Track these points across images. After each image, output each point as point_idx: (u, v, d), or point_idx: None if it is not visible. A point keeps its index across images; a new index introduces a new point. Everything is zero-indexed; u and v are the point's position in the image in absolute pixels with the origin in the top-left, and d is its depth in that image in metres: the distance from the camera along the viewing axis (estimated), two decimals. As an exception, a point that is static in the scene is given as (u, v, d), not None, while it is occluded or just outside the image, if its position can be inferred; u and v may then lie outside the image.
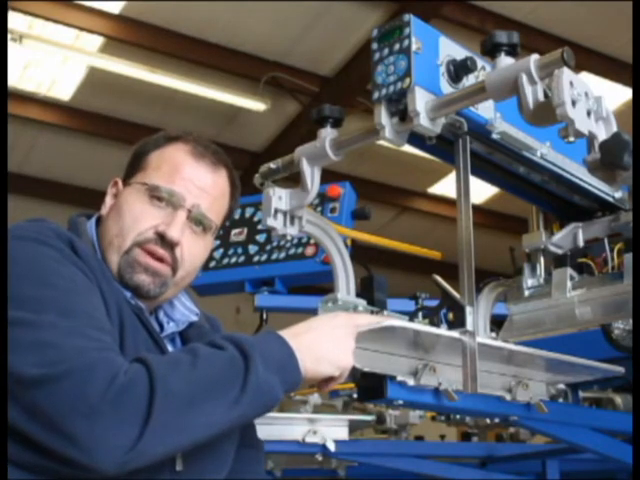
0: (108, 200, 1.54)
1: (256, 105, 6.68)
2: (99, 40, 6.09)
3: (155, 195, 1.47)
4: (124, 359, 1.21)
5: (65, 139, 7.28)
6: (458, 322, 1.32)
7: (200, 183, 1.50)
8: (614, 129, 1.26)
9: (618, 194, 1.60)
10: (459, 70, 1.32)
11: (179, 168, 1.49)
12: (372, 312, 1.58)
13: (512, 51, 1.25)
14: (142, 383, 1.15)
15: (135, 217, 1.46)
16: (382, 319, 1.41)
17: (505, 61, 1.24)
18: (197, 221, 1.49)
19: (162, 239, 1.45)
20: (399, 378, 1.45)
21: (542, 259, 1.66)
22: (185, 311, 1.57)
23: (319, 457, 2.61)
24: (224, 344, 1.25)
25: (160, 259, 1.45)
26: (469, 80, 1.35)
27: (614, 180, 1.27)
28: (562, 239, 1.61)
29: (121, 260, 1.45)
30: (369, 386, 1.48)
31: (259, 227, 2.65)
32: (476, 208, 7.28)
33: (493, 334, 1.65)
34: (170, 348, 1.49)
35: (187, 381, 1.18)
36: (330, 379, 1.37)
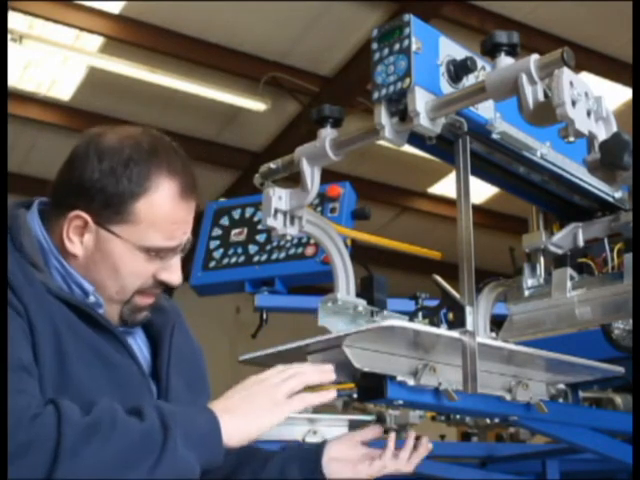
0: (73, 236, 1.41)
1: (256, 105, 6.68)
2: (99, 40, 6.08)
3: (156, 253, 1.42)
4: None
5: (65, 139, 7.26)
6: (458, 322, 1.31)
7: (188, 218, 1.46)
8: (614, 129, 1.26)
9: (618, 194, 1.60)
10: (459, 70, 1.32)
11: (174, 219, 1.42)
12: (372, 312, 1.58)
13: (512, 51, 1.25)
14: (47, 448, 1.12)
15: (135, 274, 1.42)
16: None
17: (505, 61, 1.24)
18: (184, 249, 1.48)
19: (162, 284, 1.45)
20: (399, 378, 1.45)
21: (542, 259, 1.66)
22: None
23: (319, 457, 2.61)
24: (147, 413, 1.22)
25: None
26: (469, 80, 1.35)
27: (614, 180, 1.27)
28: (562, 239, 1.61)
29: (123, 309, 1.44)
30: (369, 386, 1.48)
31: (259, 227, 2.65)
32: (476, 208, 7.27)
33: (493, 334, 1.65)
34: (130, 335, 1.48)
35: (96, 454, 1.15)
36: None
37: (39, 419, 1.14)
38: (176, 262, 1.45)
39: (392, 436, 1.62)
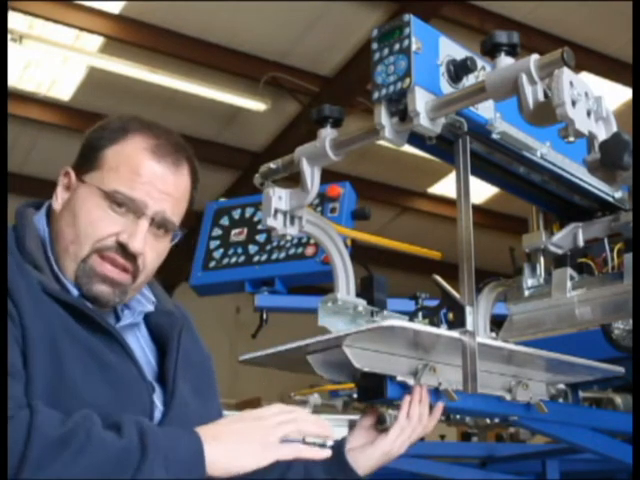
0: (60, 192, 1.44)
1: (256, 105, 6.68)
2: (99, 40, 6.09)
3: (115, 201, 1.38)
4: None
5: (65, 139, 7.27)
6: (458, 322, 1.31)
7: (162, 187, 1.40)
8: (614, 129, 1.26)
9: (618, 194, 1.60)
10: (459, 70, 1.32)
11: (139, 171, 1.38)
12: (372, 312, 1.58)
13: (512, 51, 1.25)
14: (11, 455, 1.09)
15: (93, 223, 1.37)
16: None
17: (505, 61, 1.24)
18: (159, 225, 1.42)
19: (123, 249, 1.38)
20: (399, 378, 1.45)
21: (542, 259, 1.66)
22: (142, 299, 1.50)
23: (319, 457, 2.61)
24: (126, 429, 1.16)
25: (122, 268, 1.39)
26: (469, 80, 1.35)
27: (614, 180, 1.27)
28: (562, 239, 1.61)
29: (78, 269, 1.38)
30: (369, 386, 1.48)
31: (259, 227, 2.65)
32: (476, 208, 7.26)
33: (493, 334, 1.65)
34: (132, 338, 1.45)
35: (63, 470, 1.10)
36: None
37: (10, 424, 1.11)
38: (141, 228, 1.38)
39: (406, 398, 1.53)
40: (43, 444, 1.10)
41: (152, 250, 1.42)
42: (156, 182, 1.40)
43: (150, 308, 1.50)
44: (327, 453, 1.30)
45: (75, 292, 1.39)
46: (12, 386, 1.18)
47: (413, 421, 1.54)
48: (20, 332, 1.25)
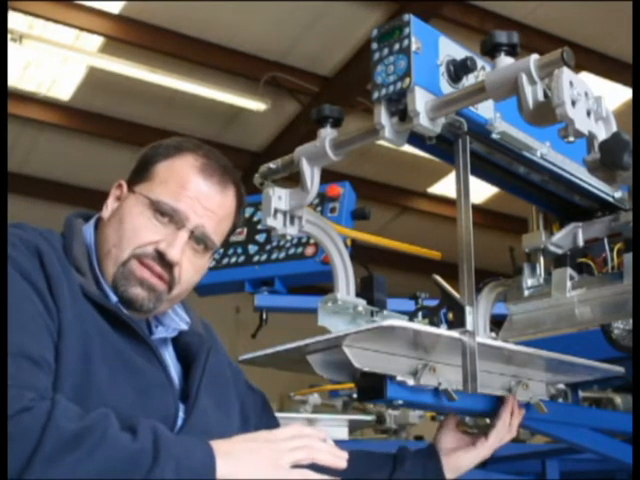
0: (110, 202, 1.51)
1: (256, 105, 6.68)
2: (99, 40, 6.09)
3: (159, 210, 1.43)
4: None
5: (65, 139, 7.28)
6: (458, 322, 1.31)
7: (207, 203, 1.45)
8: (614, 129, 1.26)
9: (618, 194, 1.60)
10: (459, 70, 1.32)
11: (186, 185, 1.45)
12: (372, 312, 1.58)
13: (512, 51, 1.25)
14: (24, 447, 1.09)
15: (136, 230, 1.43)
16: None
17: (505, 61, 1.24)
18: (199, 240, 1.46)
19: (161, 257, 1.42)
20: (399, 378, 1.45)
21: (542, 259, 1.66)
22: (175, 318, 1.54)
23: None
24: (141, 432, 1.17)
25: (158, 276, 1.42)
26: (469, 80, 1.35)
27: (614, 180, 1.27)
28: (562, 239, 1.61)
29: (117, 271, 1.42)
30: (369, 386, 1.48)
31: (259, 227, 2.65)
32: (476, 208, 7.28)
33: (493, 334, 1.65)
34: (162, 351, 1.47)
35: (74, 466, 1.10)
36: None
37: (27, 414, 1.11)
38: (180, 239, 1.42)
39: (510, 399, 1.66)
40: (57, 437, 1.11)
41: (189, 263, 1.46)
42: (201, 198, 1.45)
43: (184, 327, 1.53)
44: None
45: (114, 299, 1.42)
46: (37, 376, 1.19)
47: (513, 431, 1.67)
48: (56, 327, 1.27)
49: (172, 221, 1.43)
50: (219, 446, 1.22)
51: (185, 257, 1.45)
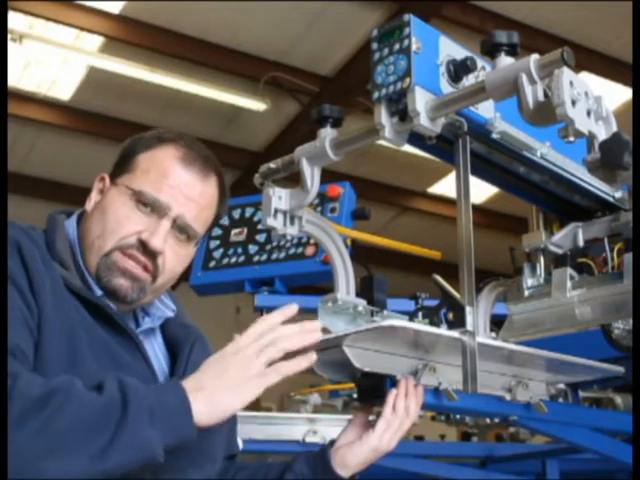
0: (93, 195, 1.51)
1: (256, 105, 6.68)
2: (99, 40, 6.08)
3: (141, 201, 1.44)
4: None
5: (65, 139, 7.28)
6: (458, 322, 1.31)
7: (188, 192, 1.45)
8: (614, 129, 1.27)
9: (618, 194, 1.60)
10: (459, 70, 1.32)
11: (167, 174, 1.45)
12: (372, 312, 1.58)
13: (512, 51, 1.25)
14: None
15: (119, 220, 1.43)
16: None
17: (505, 61, 1.24)
18: (181, 229, 1.46)
19: (144, 247, 1.42)
20: (399, 378, 1.45)
21: (542, 259, 1.66)
22: (161, 306, 1.54)
23: (319, 457, 2.61)
24: (108, 386, 1.17)
25: (143, 266, 1.43)
26: (469, 80, 1.35)
27: (614, 180, 1.28)
28: (562, 239, 1.61)
29: (100, 262, 1.42)
30: (369, 386, 1.48)
31: (259, 227, 2.65)
32: (476, 208, 7.28)
33: (493, 334, 1.65)
34: (148, 344, 1.48)
35: (42, 428, 1.10)
36: None
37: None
38: (162, 227, 1.43)
39: (392, 391, 1.48)
40: (22, 402, 1.11)
41: (172, 252, 1.46)
42: (182, 187, 1.45)
43: (169, 314, 1.53)
44: (312, 358, 1.29)
45: (98, 292, 1.42)
46: (12, 364, 1.18)
47: (399, 414, 1.49)
48: (36, 321, 1.27)
49: (154, 211, 1.44)
50: (188, 384, 1.22)
51: (168, 246, 1.45)
